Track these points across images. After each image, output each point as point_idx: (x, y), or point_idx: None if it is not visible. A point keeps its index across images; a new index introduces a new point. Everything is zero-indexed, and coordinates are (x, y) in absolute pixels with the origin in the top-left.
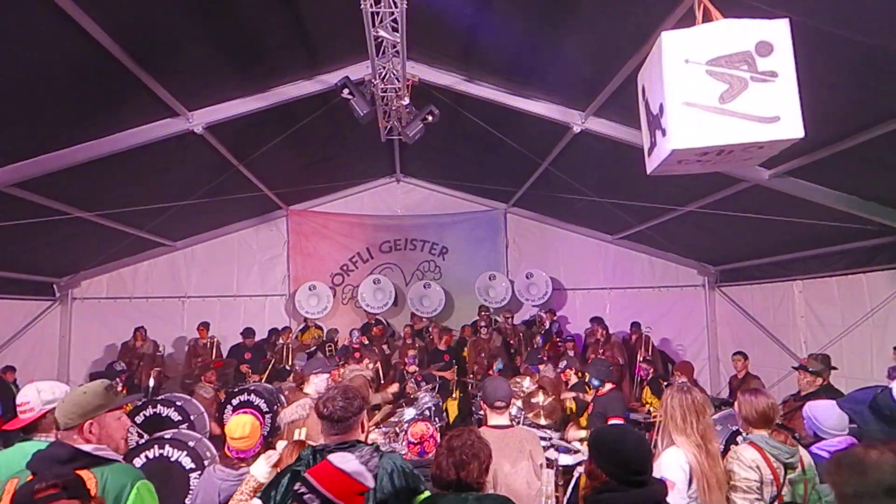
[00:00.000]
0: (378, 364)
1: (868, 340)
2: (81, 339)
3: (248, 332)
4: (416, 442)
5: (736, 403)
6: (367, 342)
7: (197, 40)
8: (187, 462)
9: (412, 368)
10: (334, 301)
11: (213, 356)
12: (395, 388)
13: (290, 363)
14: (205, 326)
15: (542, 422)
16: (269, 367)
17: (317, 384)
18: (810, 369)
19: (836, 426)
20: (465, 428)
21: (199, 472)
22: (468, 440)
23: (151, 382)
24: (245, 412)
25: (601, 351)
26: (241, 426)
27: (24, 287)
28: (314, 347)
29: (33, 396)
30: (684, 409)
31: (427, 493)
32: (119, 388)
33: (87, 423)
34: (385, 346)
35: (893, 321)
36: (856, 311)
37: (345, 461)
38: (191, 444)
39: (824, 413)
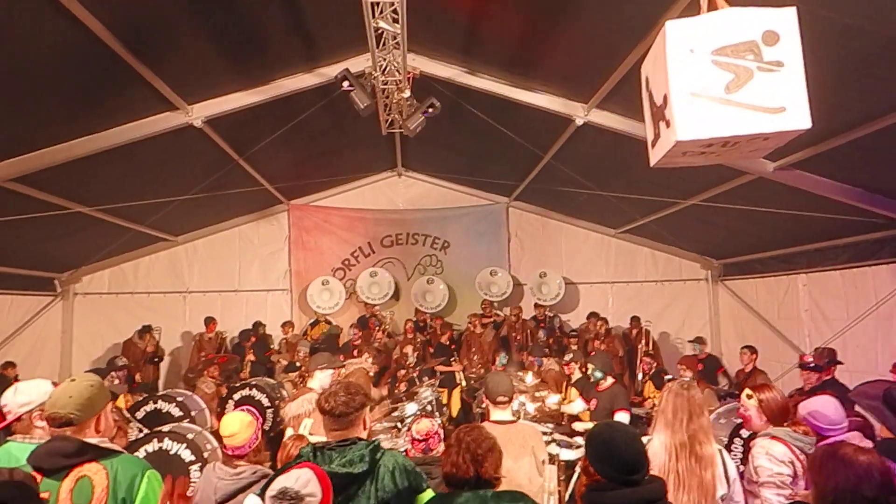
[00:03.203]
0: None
1: (873, 334)
2: (83, 334)
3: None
4: (421, 439)
5: (753, 399)
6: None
7: (195, 33)
8: (187, 455)
9: (410, 363)
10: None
11: (220, 351)
12: (384, 391)
13: (295, 357)
14: (212, 321)
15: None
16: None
17: (321, 379)
18: (812, 365)
19: (836, 420)
20: (472, 424)
21: (199, 464)
22: (480, 434)
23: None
24: (241, 409)
25: (601, 343)
26: (229, 424)
27: (25, 282)
28: (321, 342)
29: (9, 399)
30: (677, 407)
31: (430, 492)
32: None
33: (102, 417)
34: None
35: None
36: (860, 304)
37: None
38: (190, 436)
39: (820, 409)
